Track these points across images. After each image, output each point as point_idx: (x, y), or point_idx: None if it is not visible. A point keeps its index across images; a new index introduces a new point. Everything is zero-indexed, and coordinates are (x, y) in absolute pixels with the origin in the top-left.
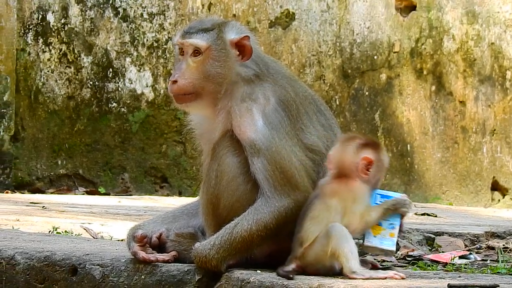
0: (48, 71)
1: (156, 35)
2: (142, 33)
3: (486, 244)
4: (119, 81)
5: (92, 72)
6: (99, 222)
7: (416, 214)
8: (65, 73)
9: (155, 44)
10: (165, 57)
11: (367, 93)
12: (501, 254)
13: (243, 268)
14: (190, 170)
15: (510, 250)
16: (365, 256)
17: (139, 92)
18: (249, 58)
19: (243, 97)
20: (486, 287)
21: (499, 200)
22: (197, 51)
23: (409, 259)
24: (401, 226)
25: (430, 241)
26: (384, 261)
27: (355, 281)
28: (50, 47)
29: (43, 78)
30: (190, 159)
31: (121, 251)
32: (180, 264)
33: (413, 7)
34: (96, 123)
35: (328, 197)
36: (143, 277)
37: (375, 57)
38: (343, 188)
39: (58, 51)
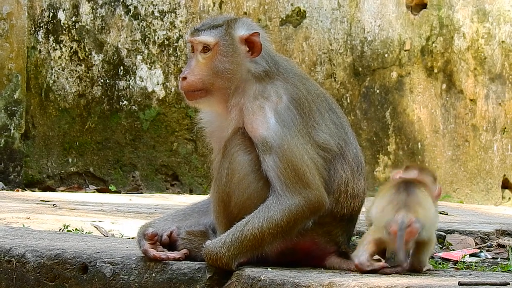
0: (59, 69)
1: (167, 33)
2: (153, 31)
3: (496, 242)
4: (130, 79)
5: (103, 70)
6: (109, 220)
7: None
8: (76, 71)
9: (166, 42)
10: (176, 55)
11: (378, 91)
12: None
13: (254, 266)
14: (201, 168)
15: None
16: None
17: (150, 90)
18: (258, 54)
19: (256, 95)
20: (497, 285)
21: (509, 198)
22: (206, 48)
23: None
24: None
25: (440, 239)
26: None
27: (366, 279)
28: (61, 45)
29: (54, 76)
30: (201, 157)
31: (132, 249)
32: (191, 262)
33: (423, 5)
34: (107, 121)
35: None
36: (153, 275)
37: (386, 55)
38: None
39: (69, 49)
